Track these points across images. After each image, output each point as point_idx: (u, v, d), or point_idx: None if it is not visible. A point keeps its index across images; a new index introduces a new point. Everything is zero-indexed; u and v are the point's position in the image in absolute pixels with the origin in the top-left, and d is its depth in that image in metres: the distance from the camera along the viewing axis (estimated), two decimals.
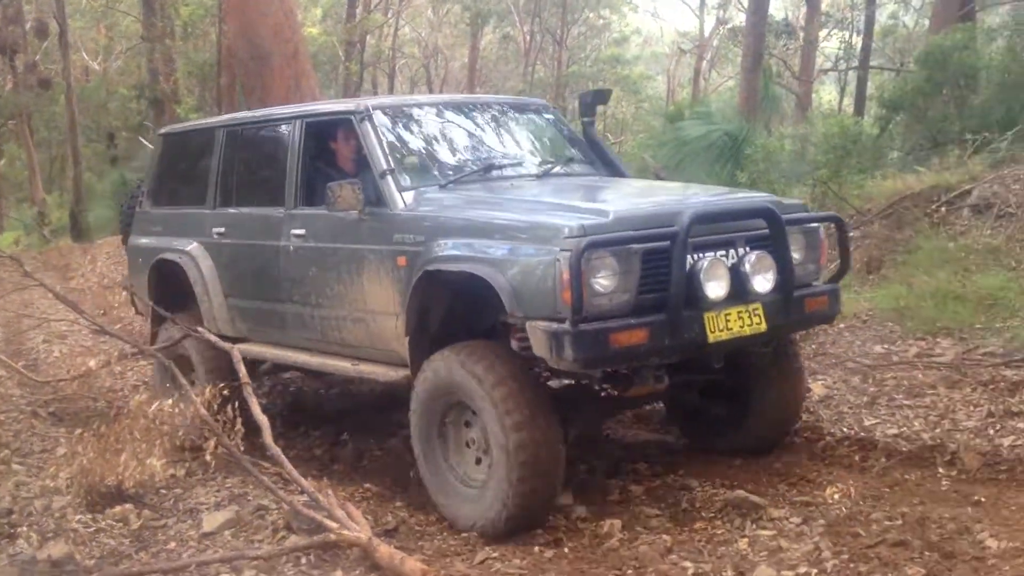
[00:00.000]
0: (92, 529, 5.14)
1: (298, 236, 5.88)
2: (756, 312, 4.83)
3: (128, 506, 5.36)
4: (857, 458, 5.49)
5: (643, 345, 4.56)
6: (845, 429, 5.85)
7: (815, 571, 4.22)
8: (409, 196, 5.35)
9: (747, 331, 4.79)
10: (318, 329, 5.86)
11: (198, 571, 4.54)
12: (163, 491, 5.68)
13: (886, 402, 6.16)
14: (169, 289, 7.02)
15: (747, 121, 14.31)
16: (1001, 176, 9.47)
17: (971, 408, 5.88)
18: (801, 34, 23.34)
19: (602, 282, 4.50)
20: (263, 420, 5.40)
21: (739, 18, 27.31)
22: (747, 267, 4.80)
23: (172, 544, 4.99)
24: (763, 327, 4.83)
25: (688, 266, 4.63)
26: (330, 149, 6.13)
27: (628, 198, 5.44)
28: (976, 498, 4.76)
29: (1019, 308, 7.33)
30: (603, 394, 5.25)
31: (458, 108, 6.34)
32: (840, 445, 5.67)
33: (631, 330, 4.52)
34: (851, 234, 7.70)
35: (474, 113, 6.32)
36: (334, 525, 4.66)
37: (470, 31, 30.97)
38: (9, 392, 8.12)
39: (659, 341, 4.58)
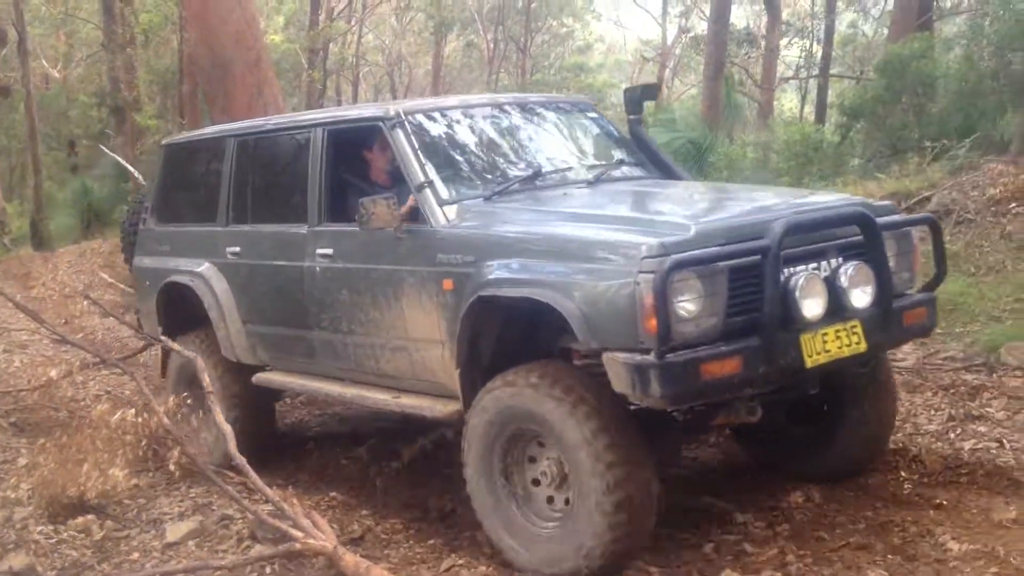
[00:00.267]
0: (54, 540, 5.08)
1: (325, 256, 5.37)
2: (855, 330, 4.33)
3: (90, 517, 5.30)
4: None
5: (736, 375, 4.05)
6: None
7: (779, 574, 4.25)
8: (452, 210, 4.83)
9: (846, 352, 4.30)
10: (352, 358, 5.35)
11: None
12: (126, 501, 5.63)
13: None
14: (180, 313, 6.55)
15: (710, 129, 14.46)
16: (960, 183, 9.62)
17: (932, 412, 5.95)
18: (762, 43, 23.57)
19: (687, 306, 3.98)
20: (227, 429, 5.36)
21: (701, 27, 27.51)
22: (844, 280, 4.31)
23: (135, 555, 4.96)
24: (863, 346, 4.34)
25: (781, 282, 4.16)
26: (357, 159, 5.65)
27: (703, 208, 4.99)
28: (938, 501, 4.80)
29: (979, 313, 7.44)
30: (682, 419, 4.69)
31: (495, 109, 5.72)
32: None
33: (723, 359, 4.01)
34: None
35: (513, 114, 5.73)
36: (299, 534, 4.63)
37: (434, 39, 30.96)
38: None
39: (753, 370, 4.08)
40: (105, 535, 5.16)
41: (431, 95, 30.27)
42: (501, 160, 5.41)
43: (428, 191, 4.91)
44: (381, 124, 5.23)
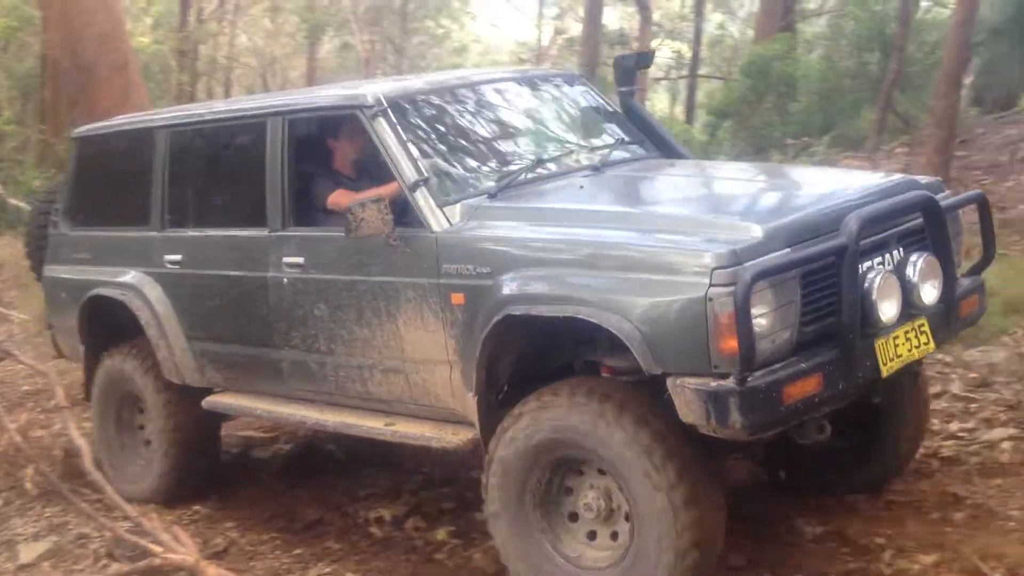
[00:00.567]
0: None
1: (294, 266, 4.70)
2: (922, 329, 3.89)
3: None
4: None
5: (817, 395, 3.55)
6: None
7: None
8: (455, 211, 4.21)
9: (916, 354, 3.87)
10: (331, 381, 4.70)
11: None
12: None
13: None
14: (106, 329, 5.80)
15: None
16: None
17: None
18: (635, 44, 23.94)
19: (761, 321, 3.45)
20: (82, 444, 5.18)
21: (576, 28, 27.81)
22: (913, 275, 3.85)
23: None
24: (931, 346, 3.94)
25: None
26: (328, 152, 5.05)
27: (759, 201, 4.41)
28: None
29: None
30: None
31: (484, 87, 5.03)
32: None
33: (804, 378, 3.52)
34: None
35: (503, 93, 5.07)
36: (159, 549, 4.52)
37: (308, 41, 30.57)
38: None
39: (834, 386, 3.59)
40: None
41: None
42: (498, 147, 4.78)
43: (424, 190, 4.26)
44: (359, 113, 4.52)
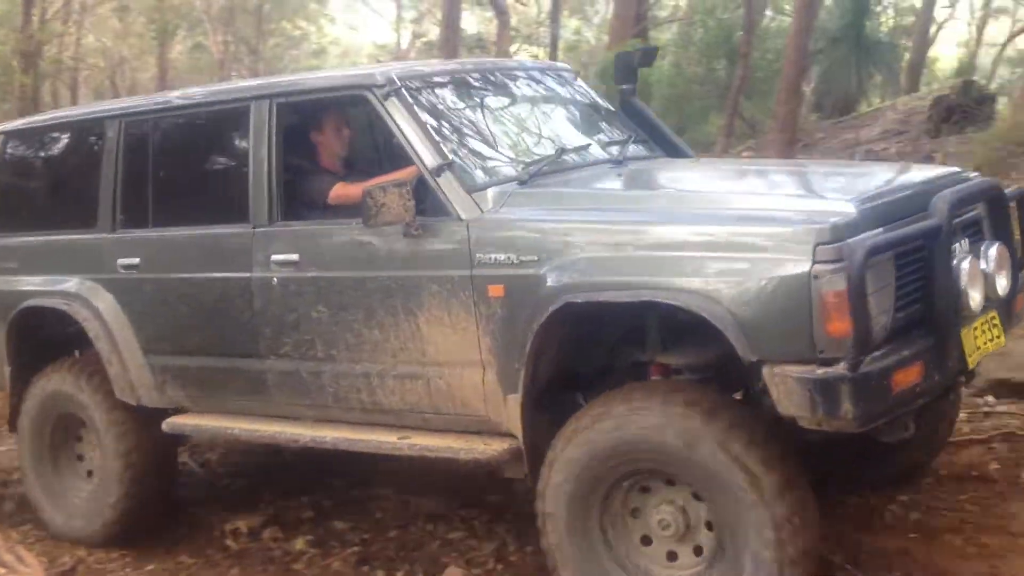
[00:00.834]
0: None
1: (285, 264, 4.28)
2: (994, 322, 3.71)
3: None
4: None
5: (918, 385, 3.35)
6: None
7: (500, 566, 4.39)
8: (486, 198, 3.88)
9: (991, 347, 3.70)
10: (329, 392, 4.28)
11: None
12: None
13: None
14: (39, 347, 5.24)
15: None
16: None
17: None
18: (493, 48, 24.12)
19: (870, 301, 3.24)
20: None
21: (434, 32, 27.85)
22: (990, 265, 3.65)
23: None
24: (1002, 340, 3.76)
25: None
26: (323, 139, 4.64)
27: (835, 184, 4.10)
28: None
29: None
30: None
31: (493, 75, 4.74)
32: None
33: (909, 366, 3.30)
34: None
35: (512, 83, 4.80)
36: (2, 571, 4.35)
37: (157, 42, 29.72)
38: None
39: (931, 377, 3.39)
40: None
41: None
42: (515, 135, 4.48)
43: (449, 175, 3.92)
44: (368, 93, 4.16)
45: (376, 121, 4.55)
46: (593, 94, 5.12)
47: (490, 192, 3.90)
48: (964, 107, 13.34)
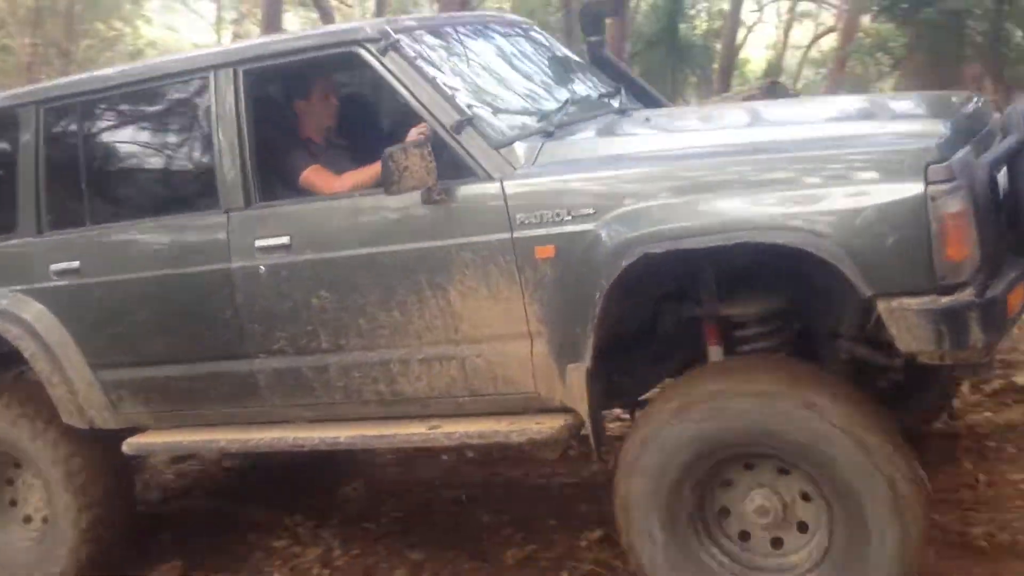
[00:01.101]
0: None
1: (274, 248, 3.82)
2: None
3: None
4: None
5: (1021, 307, 3.17)
6: None
7: (327, 571, 4.36)
8: (516, 153, 3.54)
9: None
10: (337, 387, 3.86)
11: None
12: None
13: None
14: None
15: None
16: None
17: None
18: None
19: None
20: None
21: (256, 33, 27.34)
22: None
23: None
24: None
25: None
26: (309, 108, 4.23)
27: (882, 112, 3.86)
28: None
29: None
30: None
31: (467, 29, 4.34)
32: None
33: (1016, 287, 3.11)
34: None
35: (486, 35, 4.42)
36: None
37: None
38: None
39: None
40: None
41: None
42: (520, 88, 4.16)
43: (471, 131, 3.57)
44: (359, 50, 3.74)
45: (363, 83, 4.25)
46: (563, 48, 4.89)
47: (519, 147, 3.57)
48: None
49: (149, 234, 4.11)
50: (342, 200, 3.79)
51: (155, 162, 4.38)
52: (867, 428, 3.09)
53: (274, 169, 4.03)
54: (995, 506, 3.96)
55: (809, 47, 27.87)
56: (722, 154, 3.33)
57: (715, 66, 21.01)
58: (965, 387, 4.91)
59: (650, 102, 4.65)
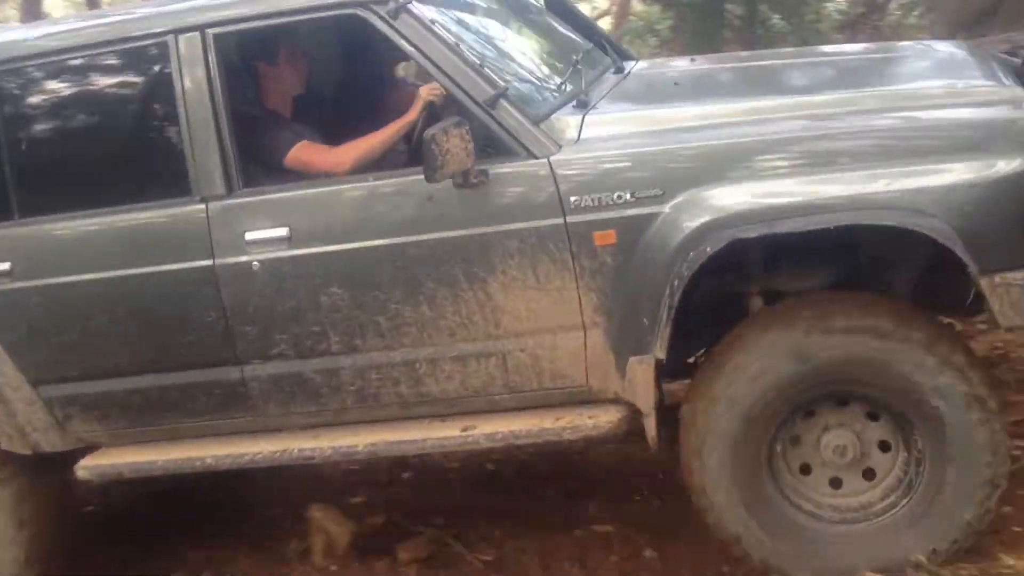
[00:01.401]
0: None
1: (270, 242, 3.39)
2: None
3: None
4: None
5: None
6: None
7: None
8: (560, 128, 3.23)
9: None
10: (349, 391, 3.47)
11: None
12: None
13: None
14: None
15: None
16: None
17: None
18: None
19: None
20: None
21: (15, 18, 25.40)
22: None
23: None
24: None
25: None
26: (275, 74, 3.76)
27: (937, 70, 3.75)
28: None
29: None
30: None
31: None
32: None
33: None
34: None
35: None
36: None
37: None
38: None
39: None
40: None
41: None
42: (533, 53, 3.86)
43: (507, 105, 3.21)
44: (365, 12, 3.30)
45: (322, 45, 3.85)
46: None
47: (560, 120, 3.26)
48: None
49: (101, 229, 3.56)
50: (353, 184, 3.38)
51: (96, 146, 3.72)
52: (968, 364, 3.05)
53: (249, 148, 3.54)
54: None
55: None
56: (798, 127, 3.13)
57: None
58: None
59: (621, 55, 4.35)
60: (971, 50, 3.79)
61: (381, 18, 3.28)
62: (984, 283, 2.93)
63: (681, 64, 4.33)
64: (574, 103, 3.39)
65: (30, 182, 3.68)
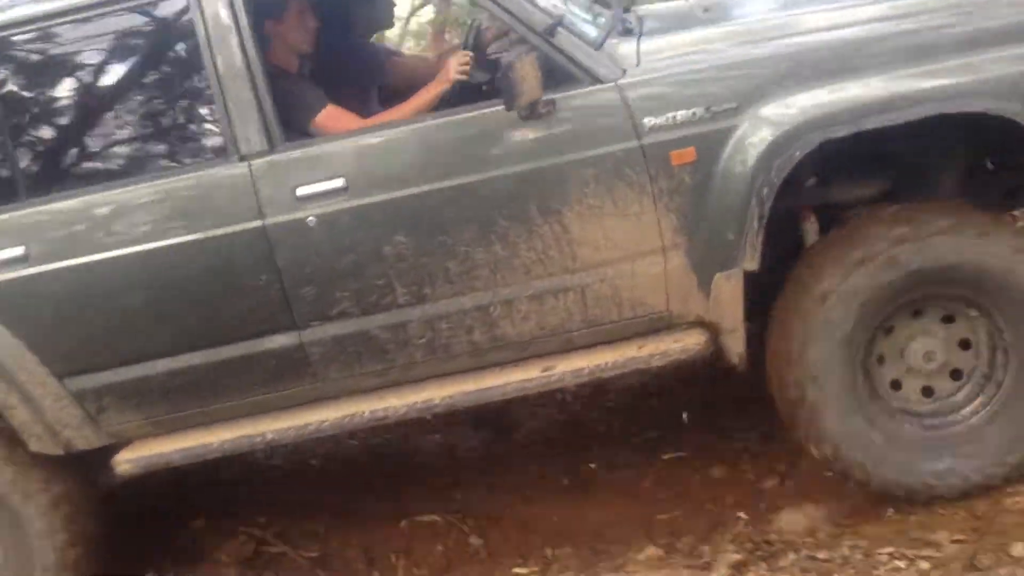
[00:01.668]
0: None
1: (325, 195, 3.22)
2: None
3: None
4: None
5: None
6: None
7: None
8: (619, 52, 3.21)
9: None
10: (418, 345, 3.34)
11: None
12: None
13: None
14: None
15: None
16: None
17: None
18: None
19: None
20: None
21: None
22: None
23: None
24: None
25: None
26: (283, 31, 3.61)
27: None
28: None
29: None
30: None
31: None
32: None
33: None
34: None
35: None
36: None
37: None
38: None
39: None
40: None
41: None
42: None
43: (566, 33, 3.18)
44: None
45: None
46: None
47: (619, 46, 3.25)
48: None
49: (130, 201, 3.31)
50: (409, 126, 3.29)
51: (120, 112, 3.51)
52: None
53: (306, 94, 3.51)
54: None
55: (408, 19, 28.60)
56: (866, 29, 3.16)
57: None
58: None
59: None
60: None
61: None
62: None
63: None
64: (619, 31, 3.40)
65: (36, 160, 3.48)
